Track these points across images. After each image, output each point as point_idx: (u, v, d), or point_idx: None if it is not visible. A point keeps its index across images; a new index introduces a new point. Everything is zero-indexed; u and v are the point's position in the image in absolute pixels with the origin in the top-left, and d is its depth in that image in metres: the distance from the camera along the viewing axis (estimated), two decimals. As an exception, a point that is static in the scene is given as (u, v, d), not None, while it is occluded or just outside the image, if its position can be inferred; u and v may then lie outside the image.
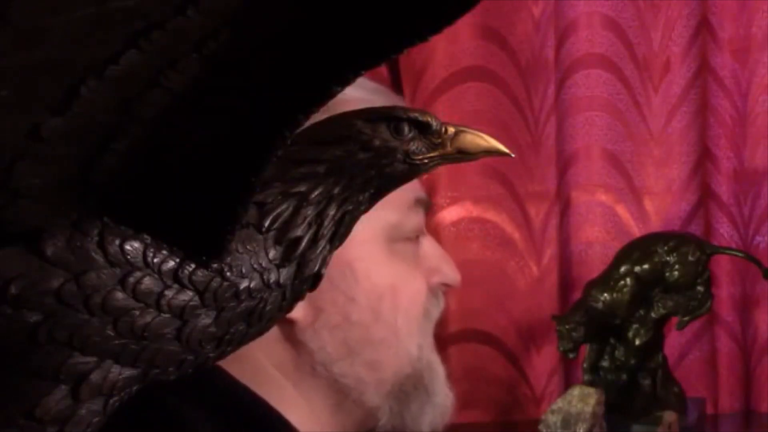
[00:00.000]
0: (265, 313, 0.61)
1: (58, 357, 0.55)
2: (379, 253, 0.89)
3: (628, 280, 1.68)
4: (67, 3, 0.46)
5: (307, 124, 0.57)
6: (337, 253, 0.84)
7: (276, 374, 0.88)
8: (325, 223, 0.62)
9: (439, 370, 0.94)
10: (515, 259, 1.91)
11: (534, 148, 1.89)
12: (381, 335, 0.88)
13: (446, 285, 0.95)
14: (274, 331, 0.86)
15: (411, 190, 0.90)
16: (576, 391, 1.60)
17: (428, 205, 0.95)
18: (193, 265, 0.58)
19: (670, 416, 1.65)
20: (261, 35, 0.52)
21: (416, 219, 0.92)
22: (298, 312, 0.86)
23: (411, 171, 0.65)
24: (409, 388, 0.90)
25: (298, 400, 0.88)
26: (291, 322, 0.87)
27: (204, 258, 0.58)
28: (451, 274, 0.95)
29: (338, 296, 0.87)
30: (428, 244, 0.94)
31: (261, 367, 0.87)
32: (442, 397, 0.93)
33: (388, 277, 0.89)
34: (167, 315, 0.57)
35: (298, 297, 0.63)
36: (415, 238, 0.92)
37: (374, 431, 0.91)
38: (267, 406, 0.86)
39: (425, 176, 0.78)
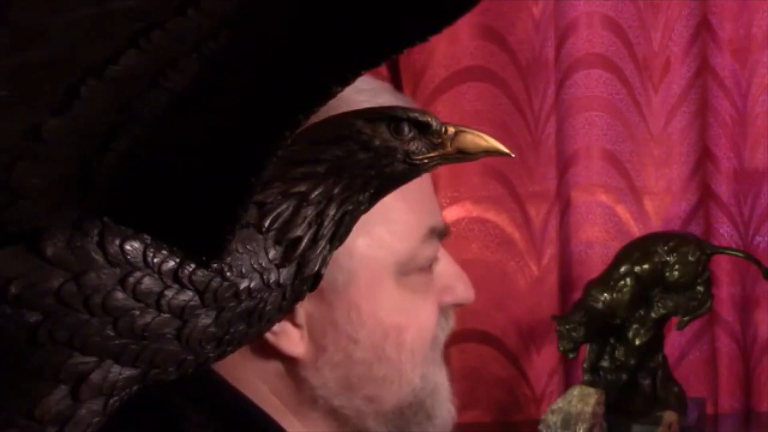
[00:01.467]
0: (265, 313, 0.61)
1: (58, 357, 0.55)
2: (388, 291, 0.87)
3: (628, 280, 1.67)
4: (67, 3, 0.46)
5: (307, 124, 0.57)
6: (345, 293, 0.84)
7: (276, 402, 0.87)
8: (325, 223, 0.62)
9: (443, 391, 0.92)
10: (515, 259, 1.91)
11: (534, 148, 1.89)
12: (383, 372, 0.87)
13: (458, 305, 0.93)
14: (276, 367, 0.86)
15: (425, 219, 0.88)
16: (576, 391, 1.60)
17: (444, 233, 0.91)
18: (193, 265, 0.58)
19: (670, 416, 1.65)
20: (261, 35, 0.52)
21: (430, 250, 0.88)
22: (301, 350, 0.85)
23: (411, 171, 0.64)
24: (409, 416, 0.89)
25: (298, 426, 0.88)
26: (293, 360, 0.86)
27: (204, 258, 0.58)
28: (464, 293, 0.93)
29: (342, 338, 0.86)
30: (443, 262, 0.91)
31: (262, 395, 0.87)
32: (444, 415, 0.92)
33: (394, 314, 0.87)
34: (167, 315, 0.57)
35: (298, 297, 0.63)
36: (428, 267, 0.89)
37: None
38: (270, 420, 0.86)
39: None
